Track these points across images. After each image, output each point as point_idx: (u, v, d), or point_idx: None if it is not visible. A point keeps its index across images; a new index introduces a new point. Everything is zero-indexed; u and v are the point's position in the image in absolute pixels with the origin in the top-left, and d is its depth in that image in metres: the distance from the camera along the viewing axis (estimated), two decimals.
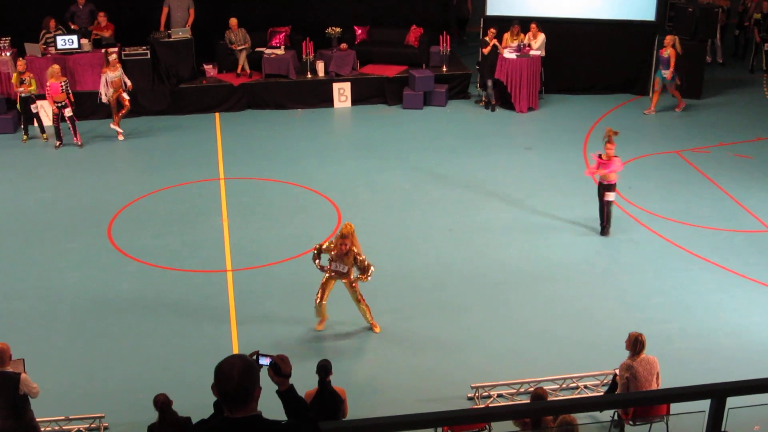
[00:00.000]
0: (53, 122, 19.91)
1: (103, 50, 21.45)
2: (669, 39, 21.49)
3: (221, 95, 22.48)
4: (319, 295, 12.71)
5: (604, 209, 15.83)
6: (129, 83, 20.53)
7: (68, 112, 19.73)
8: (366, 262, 12.49)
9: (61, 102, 19.60)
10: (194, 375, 11.77)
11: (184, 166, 18.96)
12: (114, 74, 20.22)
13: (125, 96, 20.34)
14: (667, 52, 21.38)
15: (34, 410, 10.16)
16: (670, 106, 22.32)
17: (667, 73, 21.50)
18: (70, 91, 19.86)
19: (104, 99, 20.36)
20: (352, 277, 12.61)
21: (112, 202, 17.21)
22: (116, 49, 21.24)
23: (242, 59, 22.61)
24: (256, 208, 17.11)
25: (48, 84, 19.61)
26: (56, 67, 19.83)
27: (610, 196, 15.70)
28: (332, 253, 12.45)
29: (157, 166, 19.25)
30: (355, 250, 12.43)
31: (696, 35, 23.07)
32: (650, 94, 22.33)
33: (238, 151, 19.89)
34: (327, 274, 12.66)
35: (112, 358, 12.52)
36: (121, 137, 20.50)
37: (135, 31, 22.57)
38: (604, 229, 15.93)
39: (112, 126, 20.61)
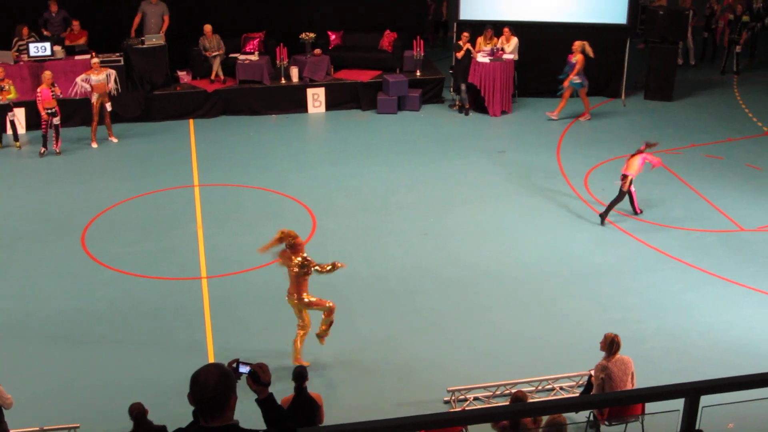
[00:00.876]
0: (43, 130, 19.71)
1: (89, 54, 21.45)
2: (577, 44, 21.45)
3: (195, 102, 22.44)
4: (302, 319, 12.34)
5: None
6: (113, 87, 20.40)
7: (56, 120, 19.64)
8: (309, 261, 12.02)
9: (51, 109, 19.50)
10: (169, 383, 11.71)
11: (158, 173, 18.90)
12: (97, 78, 20.13)
13: (108, 107, 20.27)
14: (575, 58, 21.39)
15: (7, 421, 10.11)
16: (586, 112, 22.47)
17: (576, 78, 21.53)
18: (58, 90, 19.77)
19: (72, 93, 20.32)
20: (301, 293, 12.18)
21: (86, 210, 17.13)
22: (93, 53, 21.11)
23: (216, 65, 22.59)
24: (231, 215, 17.08)
25: (39, 90, 19.51)
26: (48, 73, 19.72)
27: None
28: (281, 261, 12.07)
29: (131, 174, 19.19)
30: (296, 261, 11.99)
31: (667, 38, 23.24)
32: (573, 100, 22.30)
33: (212, 157, 19.84)
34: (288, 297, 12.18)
35: (87, 367, 12.46)
36: (95, 144, 20.43)
37: (108, 37, 22.46)
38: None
39: (110, 139, 20.66)
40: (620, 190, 16.28)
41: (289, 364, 11.76)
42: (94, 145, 20.45)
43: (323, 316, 12.24)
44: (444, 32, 28.09)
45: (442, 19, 28.31)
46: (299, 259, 11.87)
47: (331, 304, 12.16)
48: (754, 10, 26.70)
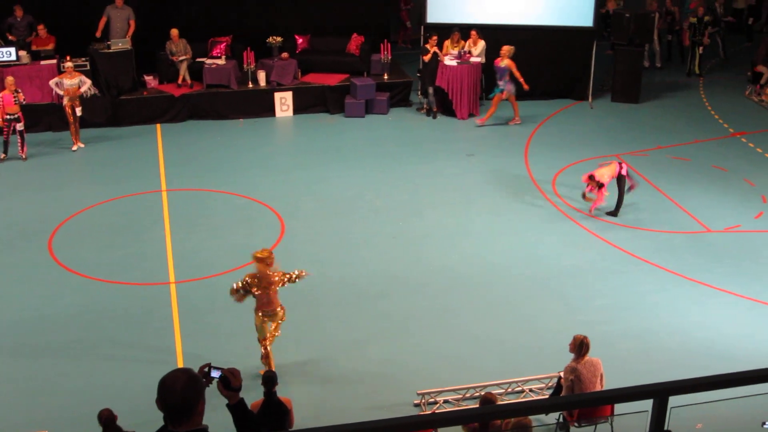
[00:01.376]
0: (4, 136, 19.52)
1: (55, 59, 21.45)
2: (506, 49, 21.34)
3: (162, 106, 22.32)
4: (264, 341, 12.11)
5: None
6: (87, 90, 20.28)
7: (20, 126, 19.47)
8: (290, 275, 11.91)
9: (14, 114, 19.33)
10: (138, 389, 11.64)
11: (125, 179, 18.78)
12: (70, 82, 19.99)
13: (78, 111, 20.13)
14: (504, 62, 21.29)
15: None
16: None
17: (503, 84, 21.46)
18: (21, 96, 19.55)
19: (60, 102, 20.23)
20: (281, 313, 11.99)
21: (53, 216, 17.01)
22: (68, 57, 20.97)
23: (183, 70, 22.50)
24: (199, 220, 17.01)
25: (1, 95, 19.30)
26: (10, 78, 19.53)
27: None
28: (257, 292, 11.75)
29: (98, 179, 19.09)
30: (277, 278, 11.80)
31: (633, 41, 23.38)
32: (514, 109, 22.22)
33: (180, 162, 19.76)
34: (259, 317, 11.96)
35: (54, 374, 12.37)
36: (75, 147, 20.39)
37: (74, 42, 22.31)
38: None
39: (78, 145, 20.49)
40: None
41: (259, 368, 11.74)
42: (74, 148, 20.35)
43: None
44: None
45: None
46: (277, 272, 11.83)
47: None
48: (718, 14, 26.93)
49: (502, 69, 21.37)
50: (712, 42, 26.57)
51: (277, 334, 12.02)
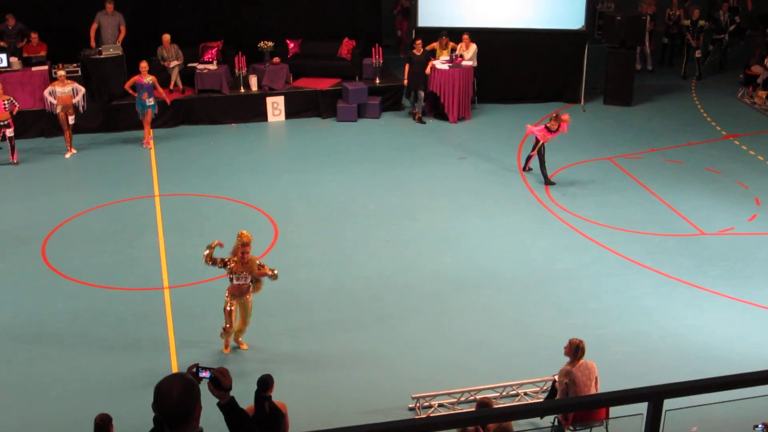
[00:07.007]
0: None
1: (46, 66, 21.50)
2: (142, 66, 20.53)
3: (154, 111, 22.24)
4: (229, 322, 12.62)
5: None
6: (79, 101, 20.27)
7: (10, 132, 19.45)
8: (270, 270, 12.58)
9: (3, 121, 19.28)
10: (133, 394, 11.64)
11: (118, 184, 18.76)
12: (62, 90, 19.96)
13: (71, 120, 20.10)
14: (148, 79, 20.49)
15: None
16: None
17: (149, 101, 20.69)
18: (15, 109, 19.54)
19: (52, 110, 20.22)
20: (249, 292, 12.64)
21: (46, 222, 16.97)
22: (60, 65, 20.94)
23: (175, 75, 22.47)
24: (192, 225, 16.98)
25: None
26: None
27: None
28: (232, 266, 12.39)
29: (91, 184, 19.05)
30: (255, 258, 12.58)
31: (624, 43, 23.41)
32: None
33: (172, 167, 19.73)
34: (228, 302, 12.61)
35: (49, 380, 12.34)
36: (68, 155, 20.35)
37: (66, 48, 22.30)
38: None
39: (71, 152, 20.47)
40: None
41: (254, 372, 11.72)
42: (68, 155, 20.31)
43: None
44: None
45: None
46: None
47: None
48: (722, 23, 26.71)
49: (148, 85, 20.55)
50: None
51: (244, 326, 12.80)
